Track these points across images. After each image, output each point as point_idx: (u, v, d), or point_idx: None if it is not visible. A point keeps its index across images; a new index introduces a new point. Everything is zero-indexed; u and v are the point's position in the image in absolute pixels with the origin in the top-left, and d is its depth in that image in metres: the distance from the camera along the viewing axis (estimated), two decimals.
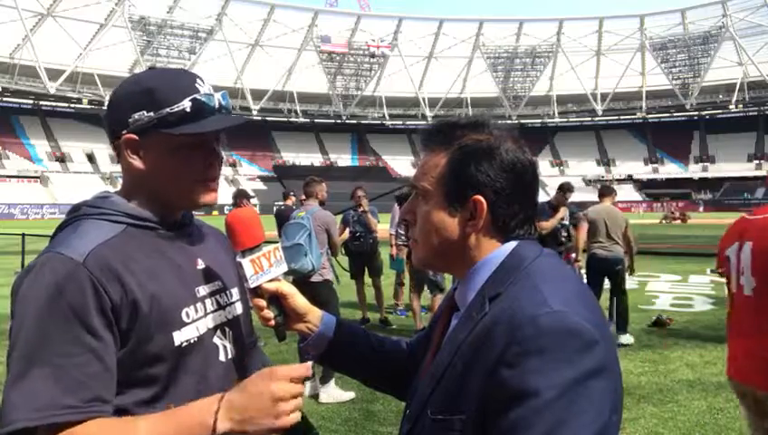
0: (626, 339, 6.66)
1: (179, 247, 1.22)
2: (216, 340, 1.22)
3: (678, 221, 38.40)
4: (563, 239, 6.84)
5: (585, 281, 6.58)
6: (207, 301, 1.22)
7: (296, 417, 1.05)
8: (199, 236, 1.30)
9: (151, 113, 1.14)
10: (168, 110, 1.14)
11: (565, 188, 6.98)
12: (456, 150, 1.03)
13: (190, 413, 1.04)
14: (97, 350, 1.03)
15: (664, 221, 38.52)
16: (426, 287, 7.34)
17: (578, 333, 0.86)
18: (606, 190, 7.24)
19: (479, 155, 1.01)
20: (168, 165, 1.17)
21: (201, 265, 1.24)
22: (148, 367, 1.10)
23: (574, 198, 7.41)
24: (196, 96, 1.15)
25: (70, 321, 1.02)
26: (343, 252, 7.87)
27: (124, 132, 1.16)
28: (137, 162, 1.17)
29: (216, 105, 1.18)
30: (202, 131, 1.16)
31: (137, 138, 1.16)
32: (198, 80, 1.20)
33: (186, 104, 1.14)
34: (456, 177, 1.02)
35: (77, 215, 1.17)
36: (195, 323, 1.17)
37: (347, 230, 7.62)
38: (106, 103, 1.25)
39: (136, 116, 1.15)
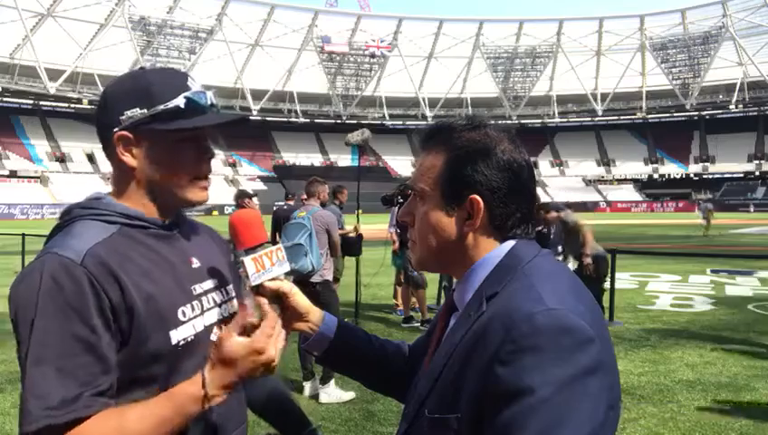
0: None
1: (173, 246, 1.22)
2: (213, 337, 1.22)
3: None
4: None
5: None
6: (203, 299, 1.22)
7: (280, 345, 1.10)
8: (193, 235, 1.31)
9: (144, 110, 1.14)
10: (161, 106, 1.14)
11: None
12: (453, 151, 1.03)
13: (177, 392, 1.06)
14: (98, 348, 1.03)
15: None
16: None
17: (573, 330, 0.86)
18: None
19: (475, 155, 1.01)
20: (161, 162, 1.17)
21: (196, 263, 1.25)
22: (148, 367, 1.11)
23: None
24: (189, 94, 1.16)
25: (70, 320, 1.02)
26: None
27: (116, 130, 1.15)
28: (129, 159, 1.17)
29: (209, 103, 1.19)
30: (199, 126, 1.16)
31: (130, 135, 1.15)
32: (190, 78, 1.21)
33: (179, 101, 1.14)
34: (452, 177, 1.02)
35: (70, 217, 1.16)
36: (191, 322, 1.17)
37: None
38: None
39: (129, 113, 1.14)
